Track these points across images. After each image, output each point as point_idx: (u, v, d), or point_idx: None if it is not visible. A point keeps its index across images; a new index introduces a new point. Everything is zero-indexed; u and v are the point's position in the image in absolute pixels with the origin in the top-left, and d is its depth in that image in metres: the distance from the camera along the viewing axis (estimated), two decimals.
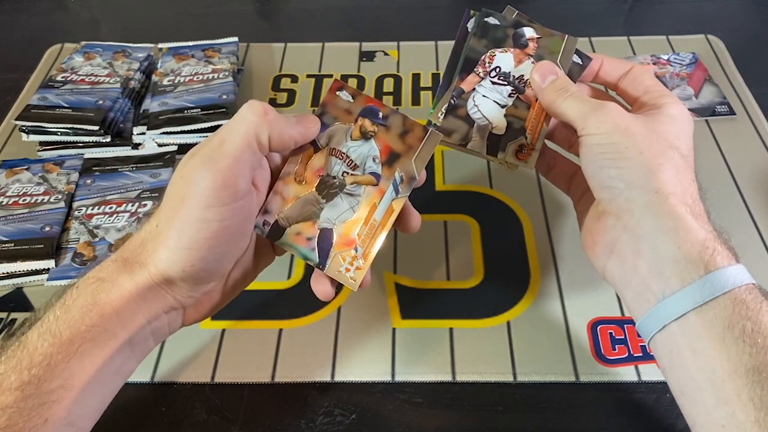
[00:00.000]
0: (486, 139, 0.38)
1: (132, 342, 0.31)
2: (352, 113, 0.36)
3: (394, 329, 0.44)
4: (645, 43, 0.67)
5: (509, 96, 0.38)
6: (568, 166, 0.40)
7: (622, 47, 0.66)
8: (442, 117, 0.38)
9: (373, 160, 0.35)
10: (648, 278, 0.31)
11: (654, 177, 0.31)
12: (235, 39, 0.65)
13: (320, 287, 0.35)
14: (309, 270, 0.48)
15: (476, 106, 0.38)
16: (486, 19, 0.39)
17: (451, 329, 0.44)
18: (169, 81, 0.59)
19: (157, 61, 0.62)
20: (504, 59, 0.39)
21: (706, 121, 0.58)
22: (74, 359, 0.29)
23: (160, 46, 0.65)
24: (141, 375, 0.41)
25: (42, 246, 0.46)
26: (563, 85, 0.36)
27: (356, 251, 0.34)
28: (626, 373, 0.41)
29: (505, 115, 0.38)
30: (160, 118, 0.55)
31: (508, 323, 0.44)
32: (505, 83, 0.38)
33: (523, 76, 0.38)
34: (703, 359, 0.28)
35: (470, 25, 0.39)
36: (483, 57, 0.39)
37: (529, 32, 0.39)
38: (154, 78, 0.60)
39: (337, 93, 0.36)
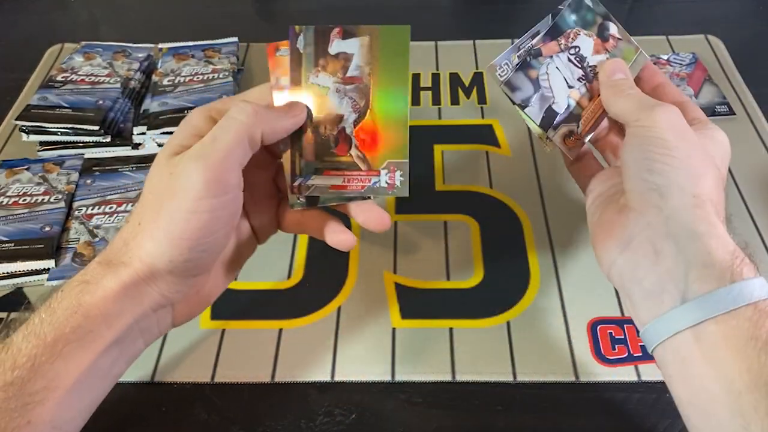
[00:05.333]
0: (543, 111, 0.38)
1: (119, 342, 0.31)
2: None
3: (394, 329, 0.44)
4: (645, 44, 0.66)
5: (578, 80, 0.38)
6: (593, 164, 0.40)
7: None
8: (507, 70, 0.38)
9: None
10: (666, 280, 0.30)
11: (696, 181, 0.31)
12: (235, 39, 0.65)
13: (340, 236, 0.35)
14: (309, 270, 0.48)
15: (547, 74, 0.38)
16: None
17: (451, 329, 0.44)
18: (169, 81, 0.59)
19: (157, 61, 0.62)
20: (586, 42, 0.38)
21: None
22: (59, 361, 0.29)
23: (160, 46, 0.65)
24: (141, 375, 0.41)
25: (42, 246, 0.46)
26: (627, 84, 0.36)
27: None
28: (626, 373, 0.41)
29: (567, 97, 0.38)
30: (161, 118, 0.55)
31: (508, 323, 0.44)
32: (579, 66, 0.38)
33: (595, 66, 0.38)
34: (721, 370, 0.28)
35: (300, 43, 0.35)
36: (569, 31, 0.38)
37: (613, 29, 0.39)
38: (154, 78, 0.60)
39: (278, 54, 0.35)
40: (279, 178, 0.38)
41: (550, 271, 0.47)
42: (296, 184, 0.35)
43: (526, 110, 0.38)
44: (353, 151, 0.35)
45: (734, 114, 0.58)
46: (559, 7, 0.39)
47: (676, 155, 0.31)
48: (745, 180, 0.53)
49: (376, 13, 0.74)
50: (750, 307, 0.28)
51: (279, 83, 0.35)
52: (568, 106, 0.38)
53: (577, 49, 0.38)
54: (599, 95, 0.37)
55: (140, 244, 0.31)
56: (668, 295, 0.30)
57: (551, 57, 0.38)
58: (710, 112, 0.58)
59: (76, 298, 0.30)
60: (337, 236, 0.36)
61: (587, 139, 0.38)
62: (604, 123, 0.38)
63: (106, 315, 0.30)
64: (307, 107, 0.35)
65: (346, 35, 0.35)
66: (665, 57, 0.64)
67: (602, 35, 0.38)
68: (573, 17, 0.38)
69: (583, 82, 0.38)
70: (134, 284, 0.31)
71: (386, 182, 0.35)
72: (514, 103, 0.38)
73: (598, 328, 0.43)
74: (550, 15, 0.39)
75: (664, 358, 0.31)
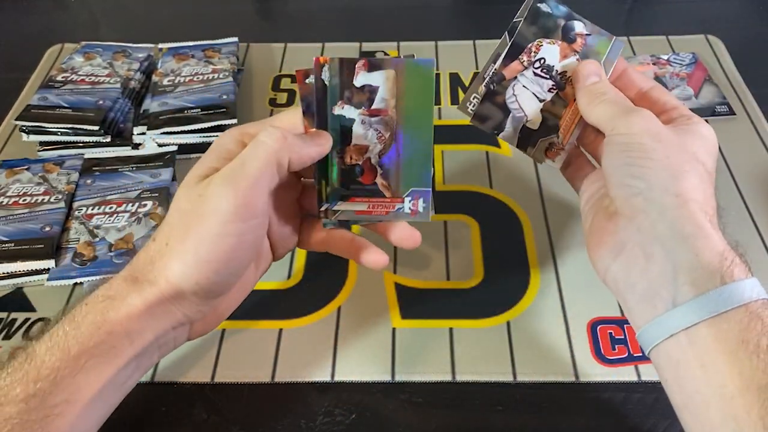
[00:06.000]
0: (519, 131, 0.38)
1: (138, 357, 0.32)
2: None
3: (394, 329, 0.44)
4: (645, 44, 0.67)
5: (549, 91, 0.37)
6: (586, 165, 0.40)
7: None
8: (476, 103, 0.38)
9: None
10: (658, 284, 0.30)
11: (677, 181, 0.31)
12: (235, 39, 0.65)
13: (374, 256, 0.37)
14: (309, 270, 0.48)
15: (515, 96, 0.38)
16: (539, 5, 0.38)
17: (451, 329, 0.44)
18: (169, 81, 0.59)
19: (157, 61, 0.62)
20: (550, 51, 0.37)
21: (706, 121, 0.58)
22: (80, 375, 0.29)
23: (160, 46, 0.65)
24: None
25: (42, 246, 0.46)
26: (603, 89, 0.35)
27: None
28: (626, 373, 0.41)
29: (541, 111, 0.38)
30: (161, 118, 0.55)
31: (508, 323, 0.44)
32: (547, 77, 0.37)
33: (566, 72, 0.37)
34: (713, 373, 0.28)
35: (325, 75, 0.35)
36: (530, 45, 0.37)
37: (579, 27, 0.37)
38: (154, 78, 0.60)
39: (307, 81, 0.35)
40: (303, 197, 0.38)
41: (550, 271, 0.47)
42: (323, 209, 0.36)
43: (500, 136, 0.38)
44: (378, 180, 0.36)
45: (734, 114, 0.59)
46: (514, 20, 0.38)
47: (654, 157, 0.31)
48: (745, 180, 0.53)
49: (376, 13, 0.74)
50: (741, 309, 0.28)
51: (309, 110, 0.35)
52: (543, 120, 0.38)
53: (542, 61, 0.38)
54: (575, 100, 0.37)
55: (167, 264, 0.31)
56: (660, 300, 0.30)
57: (515, 77, 0.38)
58: (710, 112, 0.59)
59: (101, 313, 0.30)
60: (371, 256, 0.37)
61: (568, 146, 0.38)
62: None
63: (130, 332, 0.31)
64: (333, 136, 0.35)
65: (371, 68, 0.35)
66: (665, 57, 0.64)
67: (567, 38, 0.38)
68: (532, 29, 0.38)
69: (555, 91, 0.38)
70: (158, 303, 0.31)
71: (409, 209, 0.36)
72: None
73: (598, 328, 0.43)
74: (506, 33, 0.38)
75: (659, 362, 0.31)
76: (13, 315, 0.45)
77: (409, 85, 0.35)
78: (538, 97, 0.38)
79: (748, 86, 0.61)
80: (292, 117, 0.35)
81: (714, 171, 0.33)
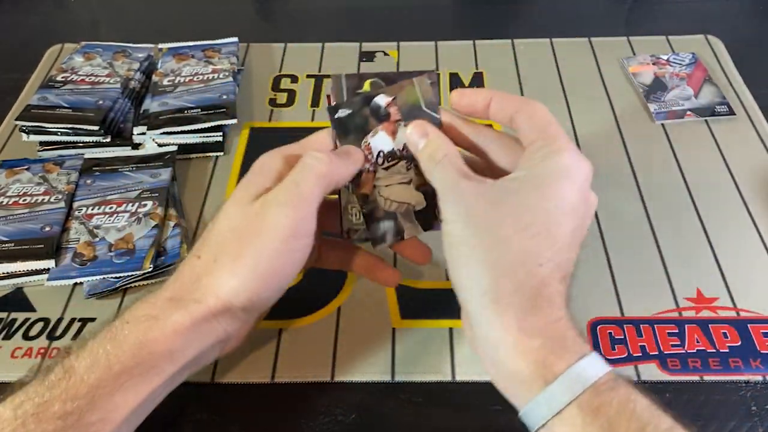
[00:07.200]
0: (415, 220, 0.37)
1: (175, 374, 0.32)
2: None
3: (394, 329, 0.44)
4: (644, 44, 0.67)
5: (408, 169, 0.36)
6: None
7: (622, 47, 0.66)
8: (359, 215, 0.36)
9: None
10: (503, 389, 0.31)
11: (488, 279, 0.29)
12: (235, 39, 0.65)
13: (386, 272, 0.40)
14: (309, 270, 0.47)
15: (386, 199, 0.36)
16: (337, 116, 0.35)
17: (451, 329, 0.44)
18: (169, 81, 0.59)
19: (157, 61, 0.63)
20: (379, 140, 0.35)
21: (706, 121, 0.58)
22: (119, 393, 0.30)
23: (160, 46, 0.65)
24: None
25: (42, 246, 0.46)
26: (432, 149, 0.34)
27: None
28: (625, 373, 0.41)
29: (416, 188, 0.36)
30: (161, 118, 0.55)
31: None
32: (397, 161, 0.36)
33: (406, 144, 0.36)
34: None
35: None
36: (361, 152, 0.35)
37: (380, 101, 0.35)
38: (155, 78, 0.60)
39: (338, 115, 0.36)
40: (323, 216, 0.38)
41: None
42: (346, 229, 0.37)
43: (406, 237, 0.37)
44: None
45: (734, 114, 0.59)
46: (333, 120, 0.35)
47: (473, 255, 0.30)
48: (745, 180, 0.53)
49: (376, 13, 0.74)
50: (572, 406, 0.27)
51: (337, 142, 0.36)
52: (424, 193, 0.36)
53: (380, 154, 0.36)
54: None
55: (217, 280, 0.32)
56: (516, 403, 0.30)
57: (374, 186, 0.36)
58: (710, 112, 0.59)
59: (144, 333, 0.31)
60: (382, 273, 0.39)
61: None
62: None
63: (172, 350, 0.31)
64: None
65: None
66: (665, 57, 0.64)
67: (380, 118, 0.35)
68: (351, 138, 0.35)
69: (412, 165, 0.36)
70: (204, 320, 0.32)
71: None
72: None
73: (598, 328, 0.43)
74: (332, 125, 0.35)
75: None
76: (13, 315, 0.45)
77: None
78: (405, 182, 0.36)
79: (748, 86, 0.61)
80: (326, 137, 0.36)
81: (578, 216, 0.31)
